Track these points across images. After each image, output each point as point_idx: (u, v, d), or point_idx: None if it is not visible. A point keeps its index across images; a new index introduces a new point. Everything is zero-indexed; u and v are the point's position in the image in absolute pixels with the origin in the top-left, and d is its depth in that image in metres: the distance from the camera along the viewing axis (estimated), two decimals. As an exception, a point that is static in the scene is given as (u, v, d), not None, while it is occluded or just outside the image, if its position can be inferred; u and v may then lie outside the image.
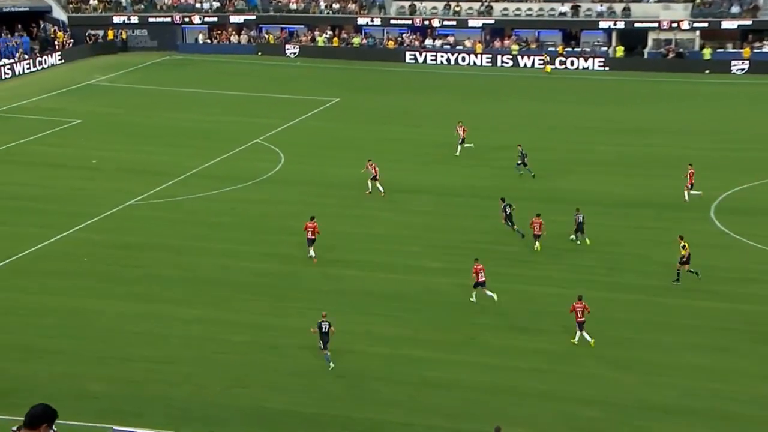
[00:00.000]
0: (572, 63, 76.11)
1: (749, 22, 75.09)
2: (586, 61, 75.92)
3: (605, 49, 77.80)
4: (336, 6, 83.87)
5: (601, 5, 78.38)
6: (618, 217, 40.03)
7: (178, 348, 28.32)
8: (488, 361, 27.64)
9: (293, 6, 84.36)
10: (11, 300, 31.72)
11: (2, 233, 38.02)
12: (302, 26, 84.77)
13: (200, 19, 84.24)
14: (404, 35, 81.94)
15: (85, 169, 47.10)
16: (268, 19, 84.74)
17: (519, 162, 44.92)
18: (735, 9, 75.78)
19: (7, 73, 70.83)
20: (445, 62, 78.36)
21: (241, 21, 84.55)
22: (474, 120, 57.90)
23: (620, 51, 76.65)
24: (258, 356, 27.81)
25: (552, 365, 27.32)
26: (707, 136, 53.97)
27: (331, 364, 26.83)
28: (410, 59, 79.38)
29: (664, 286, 32.75)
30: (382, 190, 41.83)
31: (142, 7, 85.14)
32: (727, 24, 75.26)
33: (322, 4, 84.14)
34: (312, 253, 34.64)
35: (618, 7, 77.87)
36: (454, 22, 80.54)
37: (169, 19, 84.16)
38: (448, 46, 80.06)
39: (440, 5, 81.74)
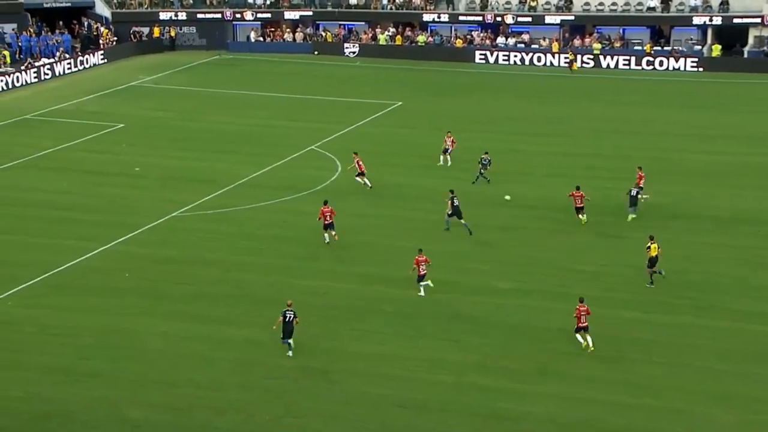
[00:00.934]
0: (661, 63, 75.21)
1: None
2: (677, 61, 74.94)
3: (699, 47, 76.74)
4: (400, 1, 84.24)
5: (695, -1, 77.49)
6: (711, 233, 39.47)
7: (224, 372, 28.63)
8: (564, 392, 27.41)
9: (353, 1, 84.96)
10: (47, 317, 32.39)
11: (39, 245, 38.90)
12: (362, 23, 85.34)
13: (252, 15, 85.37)
14: (474, 33, 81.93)
15: (128, 177, 48.02)
16: (326, 16, 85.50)
17: (480, 170, 45.67)
18: None
19: (47, 74, 72.53)
20: (518, 62, 78.12)
21: (297, 17, 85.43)
22: (550, 125, 57.72)
23: (717, 50, 75.45)
24: (310, 382, 27.99)
25: (635, 398, 26.97)
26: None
27: (290, 353, 29.03)
28: (480, 59, 79.30)
29: (763, 312, 32.14)
30: (369, 185, 44.48)
31: (191, 2, 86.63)
32: (838, 19, 73.83)
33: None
34: (327, 238, 37.81)
35: (714, 1, 76.74)
36: (530, 19, 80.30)
37: (219, 16, 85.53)
38: (523, 45, 79.84)
39: (514, 0, 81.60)
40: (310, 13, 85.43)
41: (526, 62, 77.99)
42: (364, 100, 65.48)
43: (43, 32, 78.58)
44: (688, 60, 74.86)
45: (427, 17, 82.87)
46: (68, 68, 74.67)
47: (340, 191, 44.87)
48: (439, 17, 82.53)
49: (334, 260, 36.94)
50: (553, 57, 77.45)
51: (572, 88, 70.40)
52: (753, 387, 27.56)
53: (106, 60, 78.59)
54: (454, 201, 39.18)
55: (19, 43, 76.04)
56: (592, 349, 29.34)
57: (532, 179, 46.84)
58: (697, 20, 76.58)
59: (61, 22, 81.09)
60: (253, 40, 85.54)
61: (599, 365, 28.88)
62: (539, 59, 77.75)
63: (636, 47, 77.60)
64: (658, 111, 61.75)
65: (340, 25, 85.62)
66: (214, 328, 31.37)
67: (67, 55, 76.04)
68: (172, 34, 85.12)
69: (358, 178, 44.97)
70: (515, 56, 78.22)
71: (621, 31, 79.44)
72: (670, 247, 35.69)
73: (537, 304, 32.83)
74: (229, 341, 30.50)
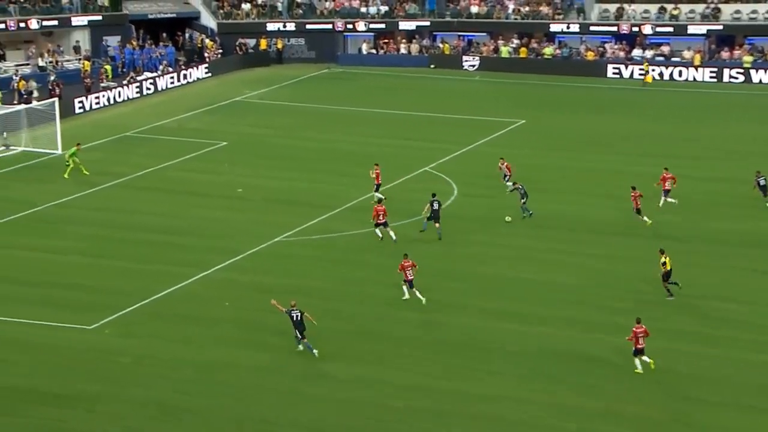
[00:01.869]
0: (823, 78, 73.17)
1: None
2: (842, 75, 72.80)
3: None
4: (526, 10, 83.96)
5: None
6: None
7: (328, 412, 28.78)
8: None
9: (474, 10, 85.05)
10: (144, 348, 33.15)
11: (136, 271, 39.85)
12: (483, 34, 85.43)
13: (365, 25, 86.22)
14: (607, 45, 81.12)
15: (230, 199, 48.99)
16: (444, 26, 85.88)
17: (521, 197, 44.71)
18: None
19: (149, 88, 74.40)
20: (657, 77, 76.96)
21: (413, 28, 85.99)
22: (691, 147, 56.71)
23: None
24: (422, 426, 27.95)
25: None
26: None
27: (315, 351, 31.03)
28: (613, 73, 78.49)
29: None
30: (383, 197, 45.83)
31: (300, 12, 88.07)
32: None
33: (510, 7, 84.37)
34: (380, 234, 41.24)
35: None
36: (671, 29, 79.19)
37: (329, 26, 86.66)
38: (662, 58, 78.64)
39: (653, 8, 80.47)
40: (427, 24, 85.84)
41: (665, 77, 76.87)
42: (484, 117, 65.40)
43: (146, 45, 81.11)
44: None
45: (554, 27, 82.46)
46: (171, 83, 76.58)
47: (456, 216, 44.82)
48: (568, 27, 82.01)
49: (451, 292, 36.94)
50: (696, 71, 76.10)
51: (718, 104, 69.32)
52: None
53: (210, 74, 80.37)
54: (434, 204, 42.28)
55: (123, 57, 78.69)
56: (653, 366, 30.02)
57: (647, 203, 45.88)
58: None
59: (165, 34, 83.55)
60: (364, 52, 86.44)
61: (745, 414, 28.01)
62: (680, 74, 76.49)
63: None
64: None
65: (459, 36, 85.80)
66: (317, 365, 31.56)
67: (171, 69, 78.17)
68: (280, 46, 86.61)
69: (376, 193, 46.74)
70: (653, 70, 77.09)
71: (776, 42, 77.62)
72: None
73: (665, 345, 32.17)
74: (333, 378, 30.68)
